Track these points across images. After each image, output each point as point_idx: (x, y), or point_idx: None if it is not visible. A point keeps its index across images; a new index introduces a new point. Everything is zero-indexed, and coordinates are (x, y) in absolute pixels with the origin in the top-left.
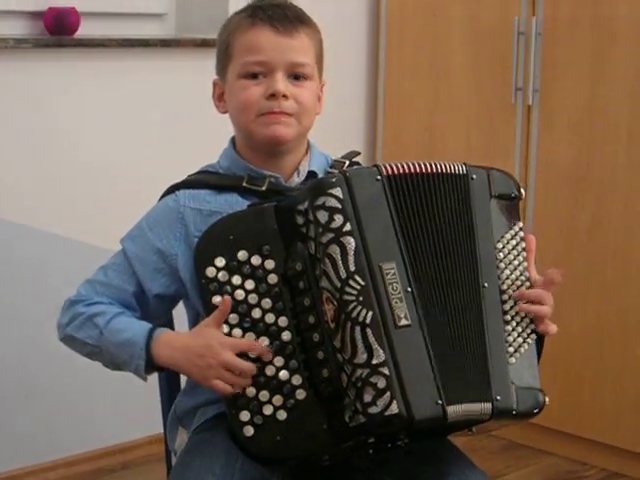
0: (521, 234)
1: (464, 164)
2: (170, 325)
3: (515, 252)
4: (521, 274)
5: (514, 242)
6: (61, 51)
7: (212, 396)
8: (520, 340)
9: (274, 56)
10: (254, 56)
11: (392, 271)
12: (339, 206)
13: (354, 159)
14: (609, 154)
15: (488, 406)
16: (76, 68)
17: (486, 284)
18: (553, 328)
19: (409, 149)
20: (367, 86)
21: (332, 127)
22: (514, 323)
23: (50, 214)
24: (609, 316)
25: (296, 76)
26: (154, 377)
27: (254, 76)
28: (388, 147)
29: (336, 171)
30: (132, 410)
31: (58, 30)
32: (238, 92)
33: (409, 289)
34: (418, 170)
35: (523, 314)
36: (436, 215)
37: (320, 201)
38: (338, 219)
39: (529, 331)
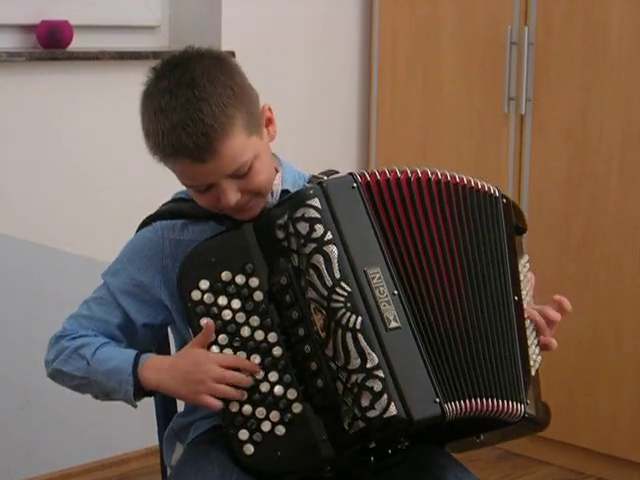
0: (528, 265)
1: (497, 187)
2: (166, 351)
3: (526, 280)
4: (529, 301)
5: (525, 270)
6: (54, 64)
7: (209, 412)
8: (534, 357)
9: (206, 179)
10: (188, 181)
11: (377, 275)
12: (318, 216)
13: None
14: (602, 163)
15: (521, 407)
16: (69, 81)
17: (516, 297)
18: (554, 342)
19: (401, 160)
20: (360, 93)
21: (324, 141)
22: (530, 340)
23: (42, 225)
24: (603, 324)
25: (239, 174)
26: None
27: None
28: (382, 154)
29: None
30: (128, 422)
31: (51, 43)
32: (193, 195)
33: (395, 292)
34: (416, 176)
35: (535, 334)
36: (452, 221)
37: (299, 213)
38: (319, 229)
39: (538, 351)
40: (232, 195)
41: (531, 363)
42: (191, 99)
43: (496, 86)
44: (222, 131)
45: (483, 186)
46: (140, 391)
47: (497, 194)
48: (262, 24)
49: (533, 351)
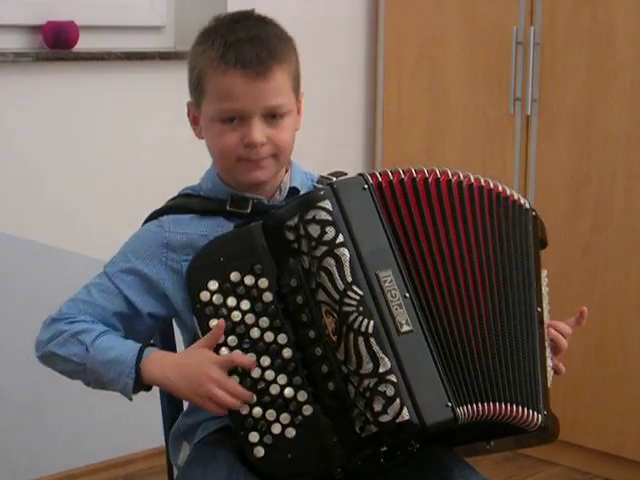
0: (546, 280)
1: (527, 200)
2: (170, 344)
3: (545, 293)
4: (547, 315)
5: (544, 283)
6: (60, 64)
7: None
8: (549, 369)
9: (248, 103)
10: (228, 103)
11: (389, 278)
12: (330, 218)
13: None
14: (608, 163)
15: (539, 416)
16: (75, 81)
17: (539, 309)
18: (563, 367)
19: (407, 161)
20: (366, 93)
21: (331, 142)
22: (547, 352)
23: (47, 226)
24: (610, 323)
25: (273, 115)
26: (155, 390)
27: (230, 119)
28: (388, 156)
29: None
30: (134, 423)
31: (57, 44)
32: (215, 137)
33: (407, 295)
34: (431, 177)
35: (550, 349)
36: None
37: (310, 215)
38: (330, 231)
39: (551, 364)
40: (258, 133)
41: (548, 376)
42: (261, 25)
43: (502, 87)
44: (282, 58)
45: (512, 194)
46: (140, 385)
47: (527, 205)
48: None
49: (548, 364)
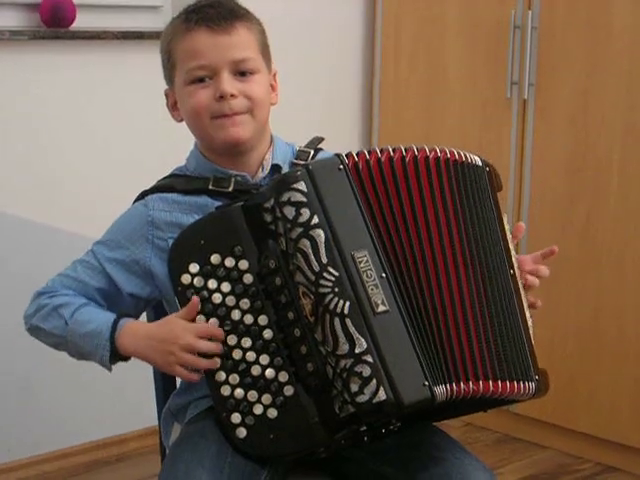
0: (508, 226)
1: (479, 156)
2: None
3: (510, 238)
4: (513, 254)
5: (507, 228)
6: (57, 43)
7: (206, 392)
8: (529, 323)
9: (215, 57)
10: (195, 61)
11: (365, 259)
12: (304, 200)
13: (318, 145)
14: (605, 148)
15: (531, 385)
16: (72, 60)
17: (512, 271)
18: (539, 302)
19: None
20: (363, 77)
21: (328, 125)
22: (524, 302)
23: (43, 205)
24: (605, 309)
25: (242, 72)
26: (149, 370)
27: (201, 80)
28: (385, 139)
29: (301, 162)
30: (127, 402)
31: (54, 22)
32: (188, 99)
33: (383, 275)
34: (397, 155)
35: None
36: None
37: (285, 197)
38: (305, 213)
39: (529, 314)
40: (228, 84)
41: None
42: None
43: (499, 70)
44: (244, 18)
45: (469, 157)
46: (116, 356)
47: (480, 163)
48: (265, 4)
49: (527, 317)
